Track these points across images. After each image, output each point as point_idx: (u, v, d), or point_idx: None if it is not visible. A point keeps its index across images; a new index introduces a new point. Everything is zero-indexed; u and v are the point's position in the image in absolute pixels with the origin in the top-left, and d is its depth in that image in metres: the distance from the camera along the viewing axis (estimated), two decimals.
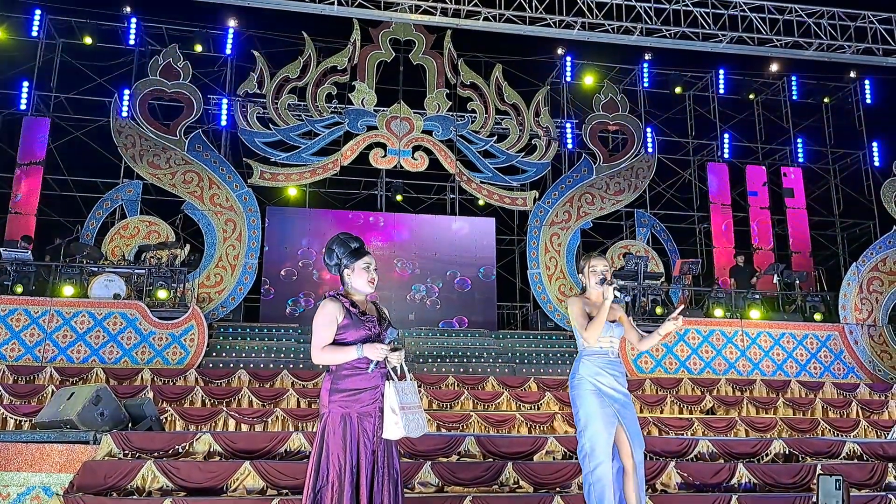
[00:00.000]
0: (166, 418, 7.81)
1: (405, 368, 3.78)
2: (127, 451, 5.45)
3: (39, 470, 5.29)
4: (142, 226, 13.11)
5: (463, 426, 7.74)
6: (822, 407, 10.15)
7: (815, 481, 6.07)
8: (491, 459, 6.01)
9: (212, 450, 5.79)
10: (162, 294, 11.22)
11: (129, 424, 6.08)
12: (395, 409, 3.59)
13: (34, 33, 13.70)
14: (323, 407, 3.71)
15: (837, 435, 8.74)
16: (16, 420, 7.61)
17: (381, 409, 3.64)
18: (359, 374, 3.69)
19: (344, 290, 3.87)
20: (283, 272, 13.98)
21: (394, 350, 3.69)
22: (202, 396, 8.82)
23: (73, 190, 14.20)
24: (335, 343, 3.69)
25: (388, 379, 3.70)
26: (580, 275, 4.51)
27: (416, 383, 3.82)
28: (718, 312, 12.54)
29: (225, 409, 8.29)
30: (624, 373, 4.30)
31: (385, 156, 14.08)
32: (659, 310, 12.24)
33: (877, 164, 16.01)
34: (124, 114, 13.17)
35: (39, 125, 13.19)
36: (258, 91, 13.89)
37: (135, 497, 4.86)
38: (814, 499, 5.38)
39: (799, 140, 16.44)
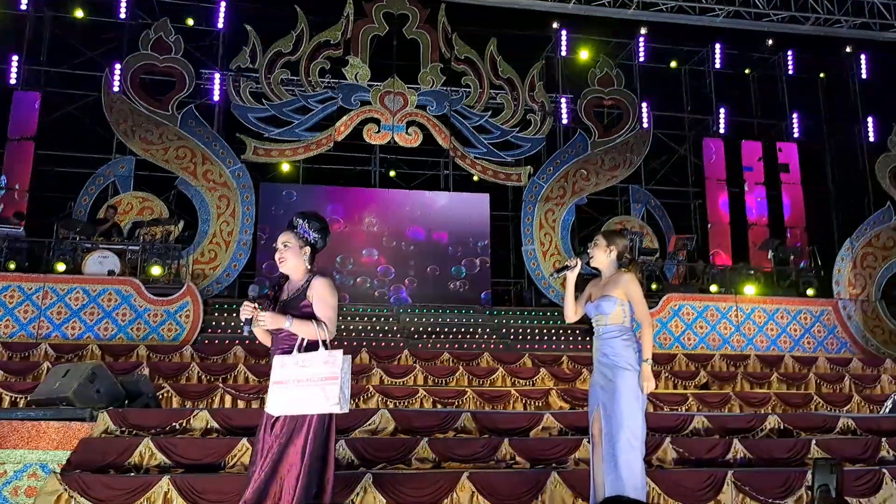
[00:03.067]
0: (163, 395, 7.81)
1: (319, 339, 3.59)
2: (124, 429, 5.45)
3: (36, 447, 5.29)
4: (135, 202, 13.03)
5: (458, 402, 7.77)
6: (816, 382, 10.22)
7: (809, 455, 6.14)
8: (487, 436, 6.04)
9: (209, 426, 5.79)
10: (156, 270, 11.18)
11: (126, 401, 6.08)
12: (271, 383, 3.55)
13: (23, 6, 13.45)
14: None
15: (831, 409, 8.82)
16: (11, 397, 7.60)
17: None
18: (270, 357, 3.68)
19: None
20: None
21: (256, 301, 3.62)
22: (198, 373, 8.82)
23: (66, 165, 14.05)
24: None
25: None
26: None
27: (333, 353, 3.54)
28: (713, 288, 12.58)
29: (221, 385, 8.28)
30: (606, 352, 4.29)
31: (379, 131, 13.97)
32: (654, 285, 12.27)
33: (871, 139, 15.96)
34: (116, 88, 13.00)
35: (30, 100, 13.02)
36: (251, 65, 13.71)
37: (132, 474, 4.86)
38: (808, 481, 5.42)
39: (794, 115, 16.37)
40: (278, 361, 3.58)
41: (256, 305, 3.60)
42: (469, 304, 13.54)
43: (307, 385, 3.50)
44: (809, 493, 1.97)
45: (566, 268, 4.40)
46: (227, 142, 13.39)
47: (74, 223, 11.92)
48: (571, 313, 4.48)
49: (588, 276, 4.62)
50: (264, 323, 3.57)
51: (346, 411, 3.60)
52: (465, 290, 14.16)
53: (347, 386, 3.59)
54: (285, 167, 14.86)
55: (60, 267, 10.75)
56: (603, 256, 4.42)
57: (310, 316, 3.66)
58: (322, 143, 13.86)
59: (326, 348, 3.60)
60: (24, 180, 12.55)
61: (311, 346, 3.63)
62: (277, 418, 3.57)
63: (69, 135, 14.04)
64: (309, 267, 3.80)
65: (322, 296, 3.70)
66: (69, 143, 14.04)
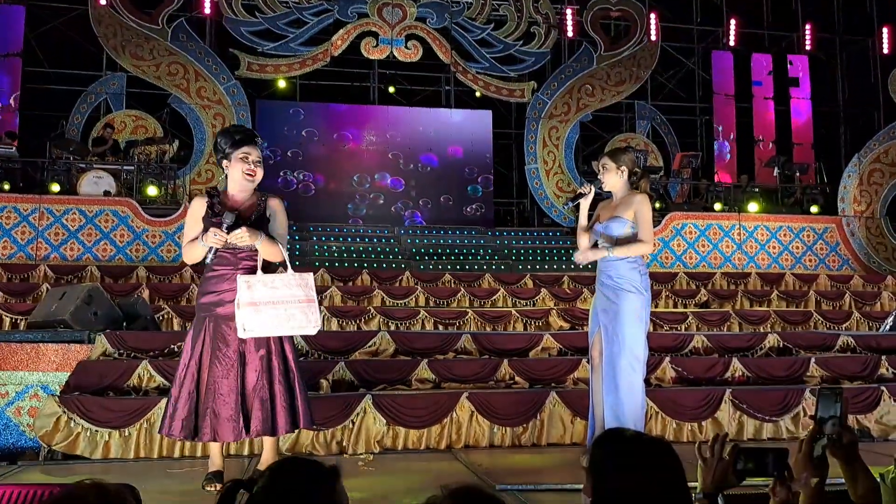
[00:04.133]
0: (163, 316, 7.78)
1: (286, 260, 3.66)
2: (122, 351, 5.44)
3: (36, 369, 5.32)
4: (128, 120, 12.76)
5: (460, 323, 7.77)
6: (816, 299, 10.20)
7: (808, 373, 6.16)
8: (487, 356, 6.05)
9: None
10: (152, 191, 11.03)
11: (124, 324, 6.06)
12: (238, 305, 3.52)
13: None
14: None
15: (830, 326, 8.83)
16: (12, 318, 7.60)
17: None
18: (219, 277, 3.64)
19: (225, 185, 3.76)
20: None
21: (231, 230, 3.53)
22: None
23: (55, 83, 13.70)
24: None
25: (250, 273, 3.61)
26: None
27: (305, 276, 3.66)
28: (717, 206, 12.46)
29: None
30: (611, 273, 4.20)
31: (377, 45, 13.52)
32: (658, 204, 12.12)
33: (885, 51, 15.42)
34: (103, 1, 12.50)
35: (14, 14, 12.51)
36: None
37: (132, 396, 4.88)
38: (807, 405, 5.44)
39: (807, 26, 15.78)
40: (244, 281, 3.54)
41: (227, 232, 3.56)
42: (480, 224, 13.48)
43: (285, 307, 3.53)
44: (812, 421, 1.90)
45: (580, 195, 4.26)
46: (220, 57, 12.98)
47: (68, 142, 11.70)
48: (585, 242, 4.34)
49: (598, 193, 4.48)
50: (243, 239, 3.54)
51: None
52: (482, 213, 14.11)
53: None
54: (281, 84, 14.48)
55: (55, 187, 10.62)
56: (615, 179, 4.26)
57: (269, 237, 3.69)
58: (318, 58, 13.45)
59: (288, 269, 3.66)
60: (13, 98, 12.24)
61: (265, 267, 3.67)
62: (248, 344, 3.60)
63: (57, 51, 13.62)
64: None
65: (280, 217, 3.75)
66: (58, 60, 13.63)
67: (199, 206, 3.68)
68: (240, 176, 3.70)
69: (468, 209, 14.09)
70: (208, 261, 3.63)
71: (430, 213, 13.91)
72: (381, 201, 13.84)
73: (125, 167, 11.27)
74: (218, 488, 3.58)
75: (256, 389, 3.58)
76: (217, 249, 3.62)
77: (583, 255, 4.25)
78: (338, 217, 13.19)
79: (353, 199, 13.76)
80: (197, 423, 3.55)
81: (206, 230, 3.58)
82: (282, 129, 13.79)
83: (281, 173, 13.59)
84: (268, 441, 3.70)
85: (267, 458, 3.69)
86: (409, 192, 13.96)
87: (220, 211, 3.64)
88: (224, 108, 12.69)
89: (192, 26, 12.94)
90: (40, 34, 13.28)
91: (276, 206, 3.75)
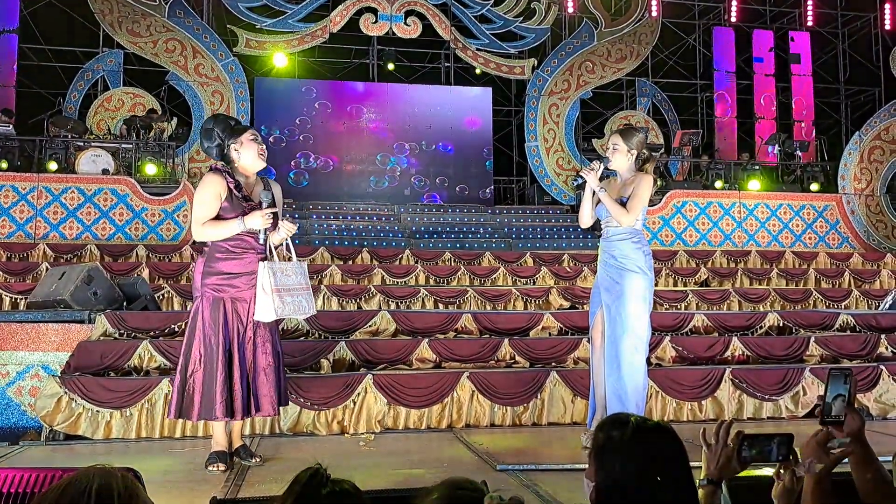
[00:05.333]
0: (163, 295, 7.78)
1: (292, 249, 3.79)
2: (122, 331, 5.43)
3: (36, 349, 5.30)
4: (126, 98, 12.63)
5: (460, 301, 7.77)
6: (815, 277, 10.22)
7: (808, 353, 6.17)
8: (487, 336, 6.05)
9: None
10: (151, 169, 10.96)
11: (124, 303, 6.05)
12: (265, 290, 3.60)
13: None
14: (196, 290, 3.72)
15: (829, 305, 8.84)
16: (11, 298, 7.59)
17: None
18: (234, 258, 3.67)
19: (230, 168, 3.77)
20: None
21: (270, 209, 3.66)
22: None
23: (52, 60, 13.56)
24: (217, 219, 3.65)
25: (265, 259, 3.69)
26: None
27: (304, 264, 3.86)
28: (718, 184, 12.42)
29: None
30: (614, 254, 4.17)
31: (376, 21, 13.38)
32: (658, 182, 12.08)
33: (888, 26, 15.26)
34: None
35: None
36: None
37: (133, 376, 4.88)
38: (806, 384, 5.46)
39: (808, 2, 15.60)
40: (268, 268, 3.64)
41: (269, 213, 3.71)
42: (480, 203, 13.50)
43: (298, 293, 3.71)
44: (821, 401, 1.91)
45: (591, 170, 4.21)
46: (219, 34, 12.85)
47: (65, 120, 11.60)
48: (588, 218, 4.30)
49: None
50: (291, 230, 3.74)
51: None
52: (493, 194, 14.13)
53: None
54: (281, 63, 14.29)
55: (53, 166, 10.55)
56: (623, 160, 4.21)
57: None
58: (317, 35, 13.31)
59: (294, 258, 3.83)
60: (10, 76, 12.13)
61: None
62: (256, 326, 3.72)
63: (54, 27, 13.47)
64: None
65: (281, 201, 3.88)
66: (54, 37, 13.49)
67: (219, 184, 3.65)
68: (254, 156, 3.73)
69: (486, 192, 14.06)
70: (260, 241, 3.71)
71: (447, 193, 13.90)
72: (397, 179, 13.84)
73: (123, 145, 11.19)
74: (222, 468, 3.60)
75: (267, 368, 3.72)
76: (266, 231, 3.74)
77: (585, 172, 4.19)
78: (357, 195, 13.24)
79: (367, 177, 13.75)
80: (233, 402, 3.63)
81: (241, 211, 3.63)
82: (285, 107, 13.72)
83: (296, 155, 13.57)
84: (242, 421, 3.86)
85: (238, 435, 3.86)
86: (426, 172, 13.97)
87: (248, 192, 3.72)
88: (222, 85, 12.58)
89: (189, 2, 12.80)
90: (36, 10, 13.12)
91: (278, 192, 3.86)
